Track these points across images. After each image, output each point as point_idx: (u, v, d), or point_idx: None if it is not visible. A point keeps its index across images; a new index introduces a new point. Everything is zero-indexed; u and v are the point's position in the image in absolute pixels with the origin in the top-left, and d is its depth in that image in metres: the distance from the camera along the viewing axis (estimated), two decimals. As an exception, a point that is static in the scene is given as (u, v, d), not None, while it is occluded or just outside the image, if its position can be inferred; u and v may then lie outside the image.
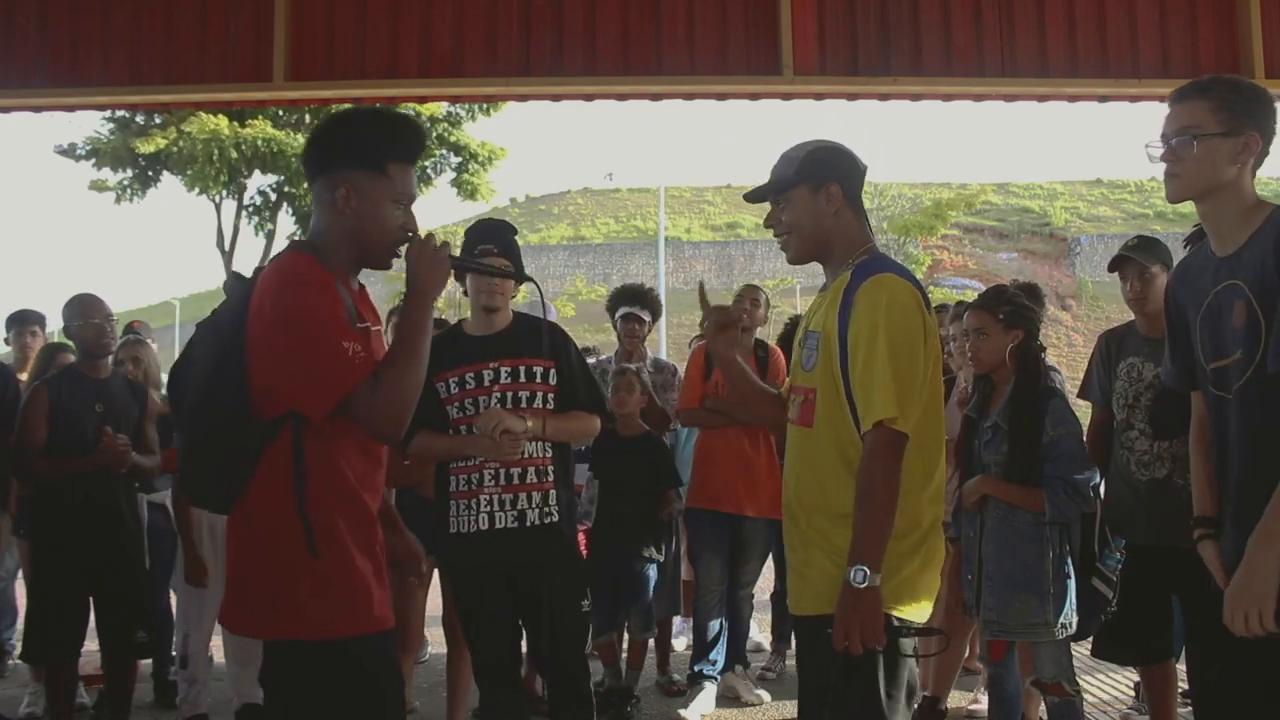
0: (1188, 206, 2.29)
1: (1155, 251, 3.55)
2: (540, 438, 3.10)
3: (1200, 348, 2.28)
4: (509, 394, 3.10)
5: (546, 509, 3.10)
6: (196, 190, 18.65)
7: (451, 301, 30.57)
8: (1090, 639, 3.55)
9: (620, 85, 5.01)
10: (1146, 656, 3.55)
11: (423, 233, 2.12)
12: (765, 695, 4.67)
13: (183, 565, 4.33)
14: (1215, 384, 2.24)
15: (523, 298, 4.28)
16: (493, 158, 19.36)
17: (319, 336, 1.94)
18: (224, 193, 19.51)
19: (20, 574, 4.90)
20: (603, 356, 5.55)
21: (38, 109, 5.26)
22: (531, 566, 3.07)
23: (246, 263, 19.90)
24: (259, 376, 1.97)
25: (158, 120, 17.94)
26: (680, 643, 5.51)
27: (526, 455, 3.09)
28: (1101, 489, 3.50)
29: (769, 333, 5.68)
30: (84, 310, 4.03)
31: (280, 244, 19.97)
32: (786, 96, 5.07)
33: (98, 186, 19.54)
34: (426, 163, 18.69)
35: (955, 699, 4.40)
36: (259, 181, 19.78)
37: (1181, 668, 3.26)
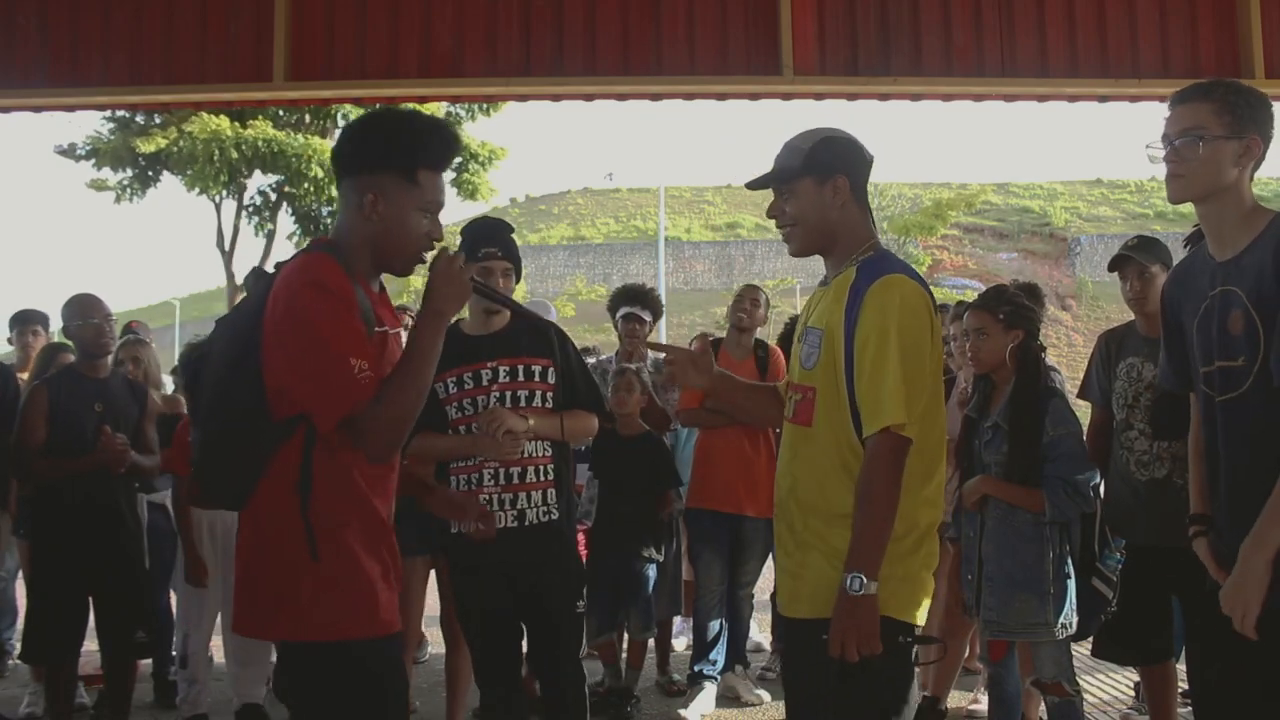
0: (1188, 207, 2.30)
1: (1155, 251, 3.55)
2: (542, 436, 3.09)
3: (1194, 351, 2.29)
4: (508, 393, 3.09)
5: (546, 508, 3.10)
6: (196, 190, 18.64)
7: (451, 301, 30.61)
8: (1090, 639, 3.55)
9: (620, 85, 5.01)
10: (1146, 656, 3.55)
11: (450, 249, 2.11)
12: (765, 695, 4.67)
13: (183, 565, 4.33)
14: (1207, 387, 2.26)
15: (521, 298, 4.29)
16: (493, 158, 19.35)
17: (328, 350, 1.92)
18: (224, 193, 19.50)
19: (20, 574, 4.90)
20: (603, 356, 5.55)
21: (38, 109, 5.26)
22: (531, 566, 3.07)
23: (246, 263, 19.94)
24: (272, 376, 1.97)
25: (158, 120, 17.93)
26: (680, 643, 5.50)
27: (526, 455, 3.08)
28: (1101, 489, 3.50)
29: (769, 333, 5.68)
30: (83, 310, 4.03)
31: (280, 244, 20.02)
32: (786, 96, 5.07)
33: (97, 186, 19.55)
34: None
35: (955, 699, 4.40)
36: (259, 181, 19.80)
37: (1181, 668, 3.26)
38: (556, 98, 5.23)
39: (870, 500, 2.09)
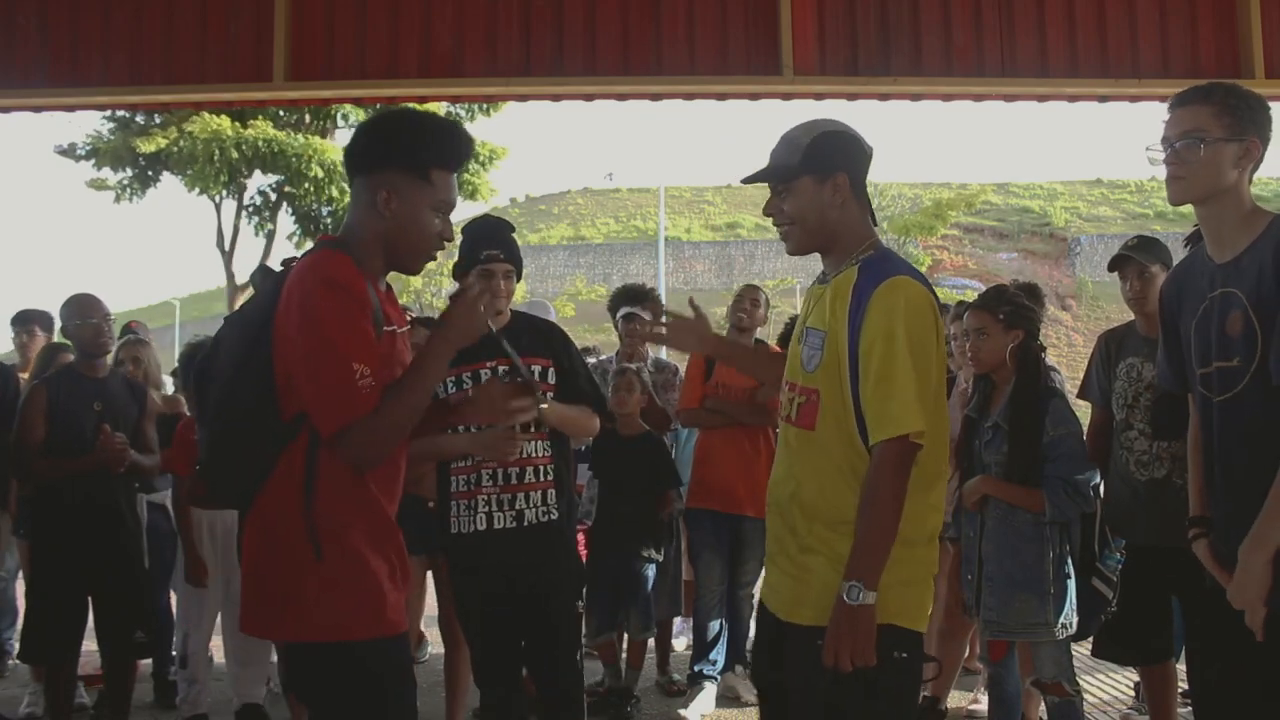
0: (1188, 207, 2.31)
1: (1155, 251, 3.55)
2: (551, 420, 3.06)
3: (1191, 352, 2.30)
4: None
5: (546, 508, 3.09)
6: (196, 190, 18.64)
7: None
8: (1090, 639, 3.55)
9: (620, 85, 5.01)
10: (1146, 656, 3.56)
11: (476, 284, 2.15)
12: (765, 695, 4.66)
13: (183, 565, 4.33)
14: (1204, 388, 2.26)
15: (520, 298, 4.29)
16: (493, 157, 19.35)
17: (334, 352, 1.92)
18: (224, 193, 19.51)
19: (20, 574, 4.90)
20: (603, 356, 5.55)
21: (38, 109, 5.26)
22: (530, 566, 3.06)
23: (246, 263, 19.94)
24: (282, 372, 1.97)
25: (158, 120, 17.93)
26: (680, 643, 5.51)
27: (526, 455, 3.07)
28: (1101, 489, 3.50)
29: (769, 333, 5.69)
30: (81, 310, 4.03)
31: (280, 244, 20.01)
32: (786, 96, 5.07)
33: (97, 185, 19.55)
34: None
35: (955, 699, 4.40)
36: (259, 181, 19.80)
37: (1181, 668, 3.26)
38: (556, 98, 5.23)
39: (874, 508, 2.04)
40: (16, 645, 4.29)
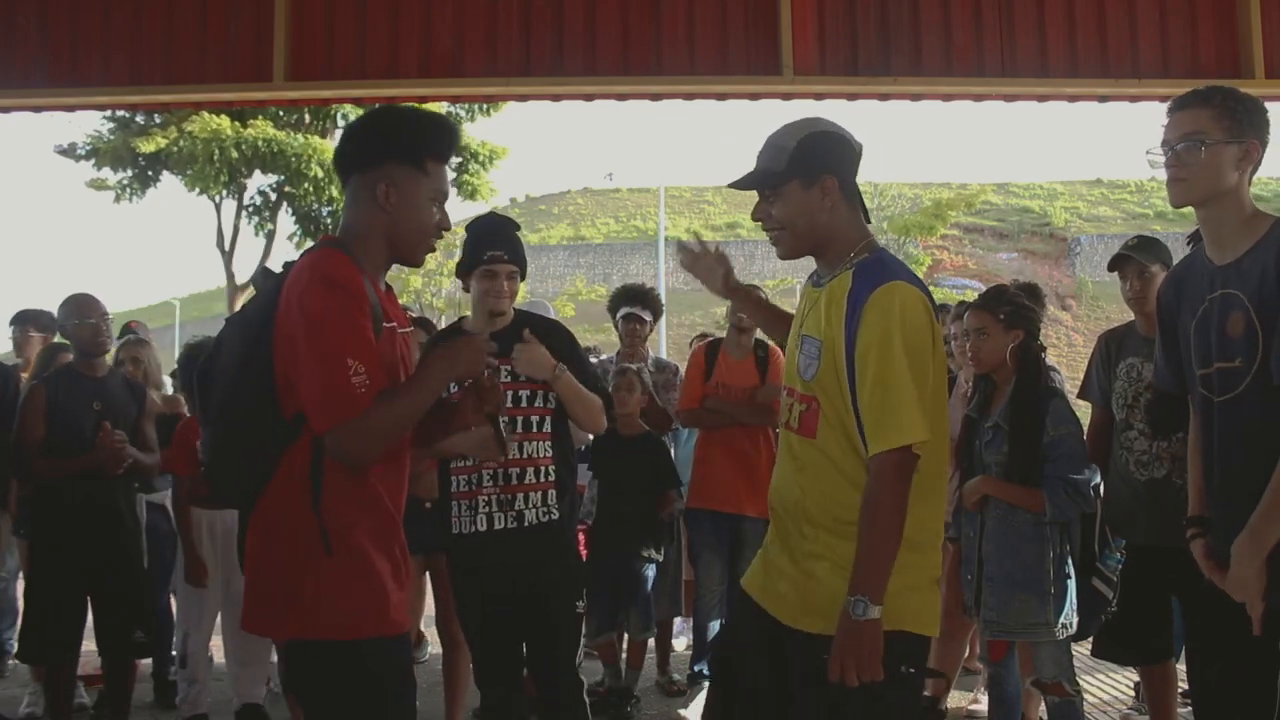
0: (1189, 207, 2.32)
1: (1155, 251, 3.56)
2: (563, 393, 3.04)
3: (1190, 353, 2.30)
4: (510, 393, 3.06)
5: (546, 509, 3.07)
6: (196, 190, 18.63)
7: (451, 301, 30.61)
8: (1090, 639, 3.55)
9: (620, 85, 5.01)
10: (1146, 656, 3.55)
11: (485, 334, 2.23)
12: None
13: (183, 565, 4.33)
14: (1204, 389, 2.27)
15: (521, 298, 4.28)
16: (493, 158, 19.35)
17: (330, 349, 1.92)
18: (224, 193, 19.50)
19: (20, 574, 4.90)
20: (603, 356, 5.55)
21: (38, 109, 5.26)
22: (530, 567, 3.05)
23: (246, 263, 19.94)
24: (283, 373, 1.97)
25: (158, 120, 17.93)
26: (680, 643, 5.51)
27: (527, 455, 3.06)
28: (1101, 489, 3.50)
29: (769, 333, 5.67)
30: (79, 310, 4.04)
31: (280, 244, 20.01)
32: (786, 96, 5.07)
33: (97, 185, 19.54)
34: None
35: (955, 699, 4.41)
36: (259, 181, 19.79)
37: (1181, 668, 3.26)
38: (556, 98, 5.23)
39: (876, 520, 2.00)
40: (16, 645, 4.29)
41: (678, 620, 5.36)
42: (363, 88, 5.06)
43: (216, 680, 4.67)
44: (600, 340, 16.47)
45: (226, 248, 20.32)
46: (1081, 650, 3.88)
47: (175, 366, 4.83)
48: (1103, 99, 5.18)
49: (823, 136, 2.17)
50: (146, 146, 17.98)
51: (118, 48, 4.92)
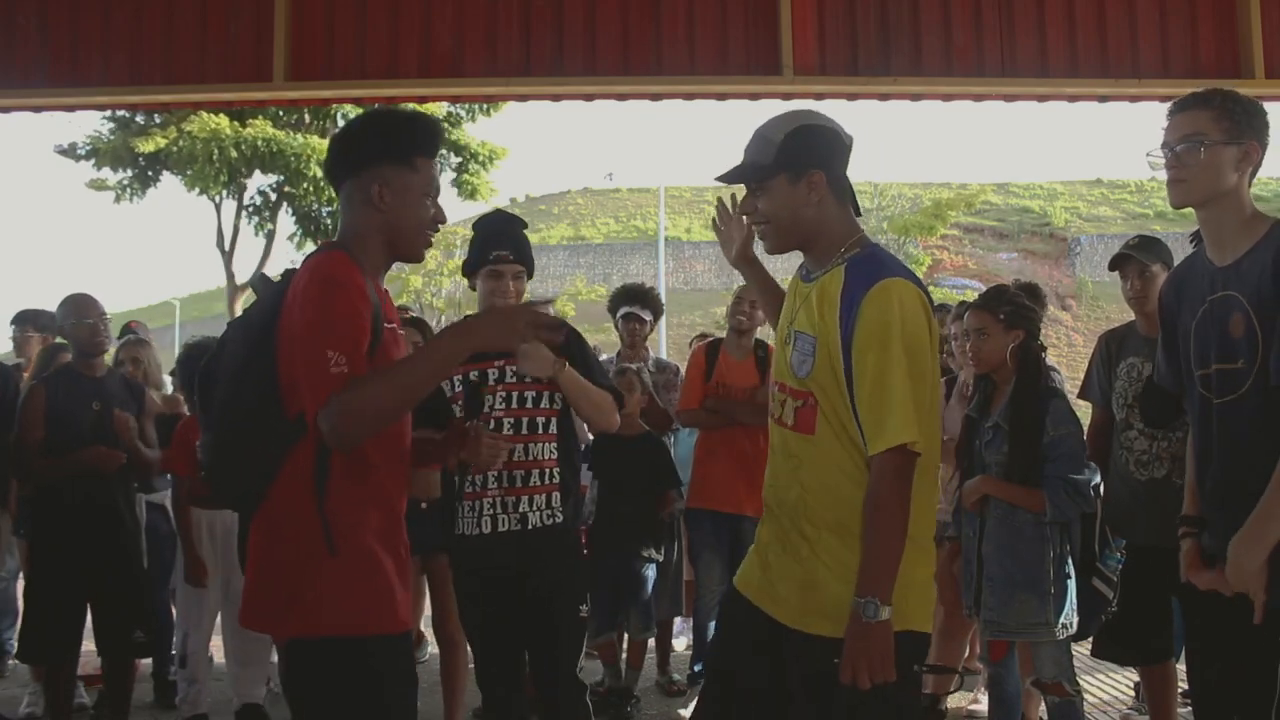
0: (1188, 208, 2.32)
1: (1156, 251, 3.56)
2: (567, 391, 3.00)
3: (1190, 354, 2.31)
4: (514, 393, 3.04)
5: (550, 511, 3.04)
6: (196, 190, 18.62)
7: (451, 301, 30.59)
8: (1090, 639, 3.55)
9: (620, 85, 5.01)
10: (1146, 656, 3.56)
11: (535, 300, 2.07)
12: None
13: (182, 565, 4.33)
14: (1204, 389, 2.27)
15: (527, 295, 4.27)
16: (493, 158, 19.33)
17: (318, 343, 1.93)
18: (224, 193, 19.49)
19: (21, 574, 4.90)
20: (604, 356, 5.55)
21: (38, 109, 5.27)
22: (534, 570, 3.02)
23: (246, 263, 19.95)
24: (286, 373, 1.98)
25: (157, 120, 17.93)
26: (680, 643, 5.51)
27: (532, 457, 3.02)
28: (1101, 489, 3.50)
29: (769, 332, 5.68)
30: (78, 310, 4.04)
31: (280, 244, 20.01)
32: (786, 96, 5.06)
33: (97, 186, 19.53)
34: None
35: (955, 699, 4.40)
36: (259, 181, 19.79)
37: (1181, 668, 3.26)
38: (556, 98, 5.23)
39: (881, 521, 1.99)
40: (16, 645, 4.30)
41: (678, 620, 5.36)
42: (363, 88, 5.06)
43: (216, 680, 4.67)
44: (600, 340, 16.44)
45: (226, 248, 20.32)
46: (1081, 650, 3.88)
47: (175, 366, 4.84)
48: (1103, 99, 5.18)
49: (811, 130, 2.15)
50: (146, 146, 17.97)
51: (118, 48, 4.92)
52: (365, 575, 2.01)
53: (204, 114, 16.80)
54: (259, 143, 17.93)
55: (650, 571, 4.51)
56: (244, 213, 20.15)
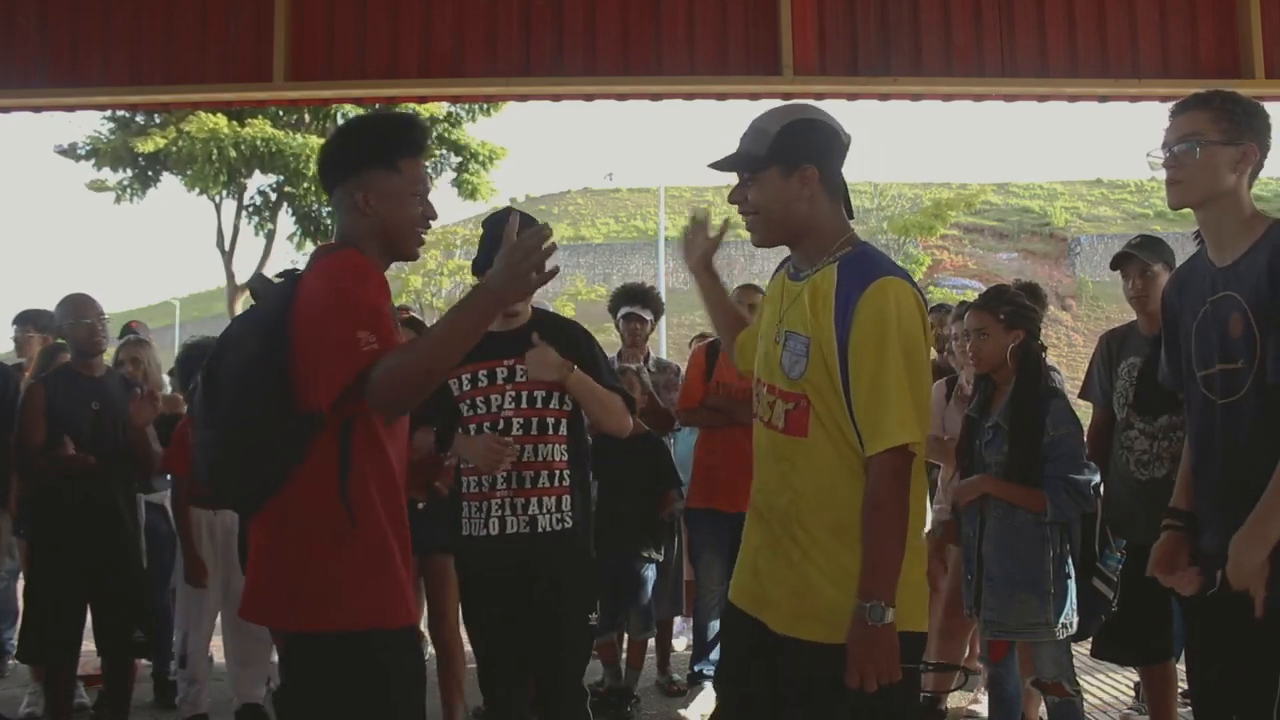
0: (1187, 209, 2.33)
1: (1158, 250, 3.56)
2: (578, 395, 2.97)
3: (1191, 354, 2.31)
4: (524, 393, 2.99)
5: (560, 515, 2.98)
6: (196, 190, 18.63)
7: (451, 301, 30.56)
8: (1090, 639, 3.55)
9: (620, 85, 5.01)
10: (1146, 656, 3.56)
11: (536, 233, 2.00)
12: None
13: (182, 565, 4.33)
14: (1206, 390, 2.28)
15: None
16: (493, 158, 19.34)
17: (342, 323, 1.96)
18: (224, 193, 19.49)
19: (21, 574, 4.90)
20: (604, 357, 5.55)
21: (38, 109, 5.27)
22: (542, 574, 2.96)
23: (246, 263, 19.94)
24: (301, 370, 1.99)
25: (157, 120, 17.93)
26: (680, 643, 5.51)
27: (542, 458, 2.98)
28: (1102, 489, 3.50)
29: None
30: (76, 310, 4.05)
31: (280, 244, 20.01)
32: (786, 96, 5.05)
33: (97, 186, 19.53)
34: (427, 162, 18.64)
35: (955, 699, 4.40)
36: (259, 181, 19.78)
37: (1181, 668, 3.26)
38: (556, 98, 5.23)
39: (882, 522, 1.97)
40: (16, 645, 4.30)
41: (678, 620, 5.36)
42: (363, 88, 5.06)
43: (216, 680, 4.67)
44: (601, 340, 16.42)
45: (226, 248, 20.31)
46: (1081, 650, 3.88)
47: (174, 366, 4.84)
48: (1103, 99, 5.18)
49: (808, 125, 2.12)
50: (145, 146, 17.97)
51: (118, 48, 4.92)
52: (382, 566, 2.04)
53: (202, 114, 16.80)
54: (258, 143, 17.94)
55: (650, 571, 4.51)
56: (244, 213, 20.14)
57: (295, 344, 2.00)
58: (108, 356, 4.47)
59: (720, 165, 2.17)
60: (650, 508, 4.48)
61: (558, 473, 2.99)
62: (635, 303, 5.17)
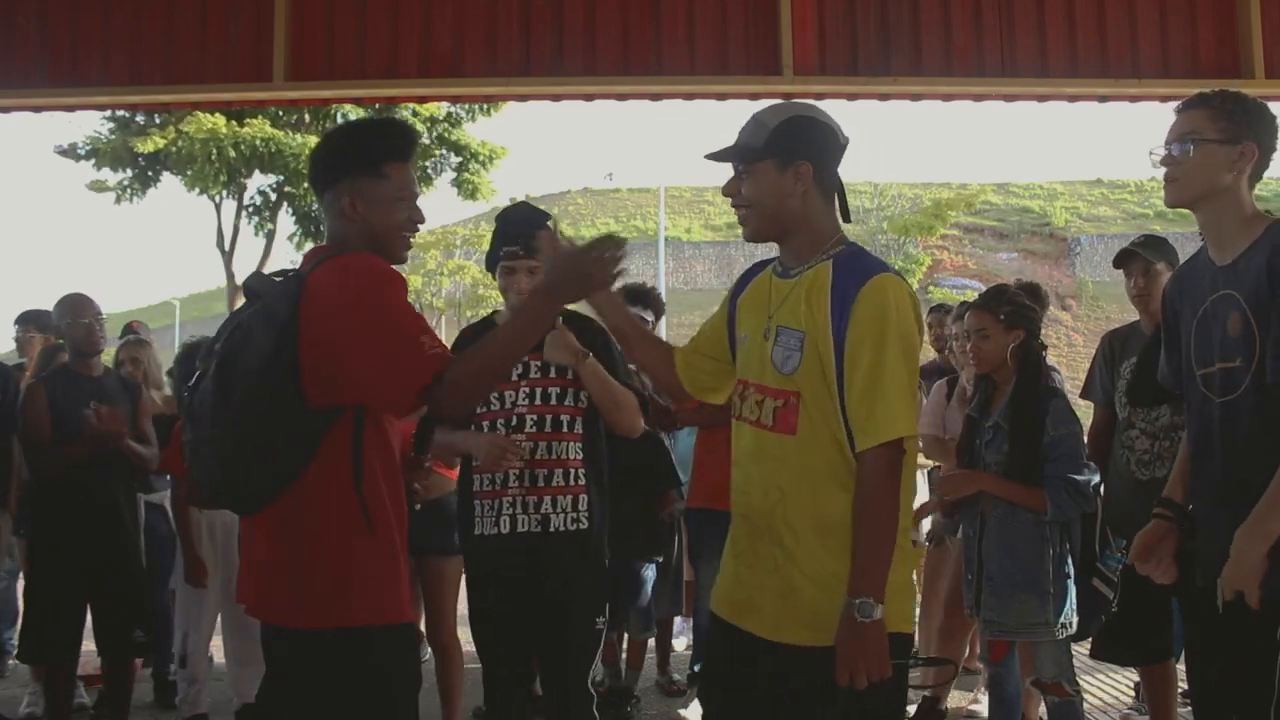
0: (1184, 208, 2.33)
1: (1162, 249, 3.56)
2: (591, 386, 2.93)
3: (1190, 353, 2.32)
4: (538, 389, 2.96)
5: (575, 515, 2.94)
6: (196, 190, 18.65)
7: (451, 301, 30.56)
8: (1090, 639, 3.55)
9: (620, 85, 5.01)
10: (1146, 657, 3.55)
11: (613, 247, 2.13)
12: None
13: (182, 565, 4.33)
14: (1206, 389, 2.28)
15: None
16: (493, 157, 19.36)
17: (404, 334, 2.01)
18: (224, 193, 19.51)
19: (21, 574, 4.91)
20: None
21: (38, 109, 5.27)
22: (552, 576, 2.92)
23: (246, 263, 19.94)
24: (310, 366, 1.99)
25: (157, 120, 17.93)
26: (680, 643, 5.51)
27: (555, 456, 2.94)
28: (1102, 489, 3.50)
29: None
30: (73, 310, 4.05)
31: (280, 244, 20.04)
32: (786, 96, 5.04)
33: (97, 187, 19.55)
34: (426, 162, 18.71)
35: (955, 699, 4.41)
36: (259, 181, 19.80)
37: (1181, 668, 3.26)
38: (556, 98, 5.23)
39: (875, 517, 1.96)
40: (16, 645, 4.30)
41: (678, 620, 5.36)
42: (363, 88, 5.06)
43: (216, 680, 4.67)
44: (600, 340, 16.41)
45: (226, 248, 20.33)
46: (1081, 650, 3.88)
47: (173, 366, 4.83)
48: (1103, 99, 5.18)
49: (806, 122, 2.11)
50: (145, 147, 17.98)
51: (118, 48, 4.92)
52: (390, 562, 2.06)
53: (200, 114, 16.81)
54: (258, 143, 17.95)
55: (650, 571, 4.50)
56: (244, 213, 20.17)
57: (304, 341, 2.00)
58: (107, 357, 4.48)
59: (717, 156, 2.17)
60: (650, 508, 4.47)
61: (572, 471, 2.96)
62: (636, 304, 5.15)
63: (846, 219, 2.19)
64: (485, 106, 18.31)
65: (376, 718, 2.05)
